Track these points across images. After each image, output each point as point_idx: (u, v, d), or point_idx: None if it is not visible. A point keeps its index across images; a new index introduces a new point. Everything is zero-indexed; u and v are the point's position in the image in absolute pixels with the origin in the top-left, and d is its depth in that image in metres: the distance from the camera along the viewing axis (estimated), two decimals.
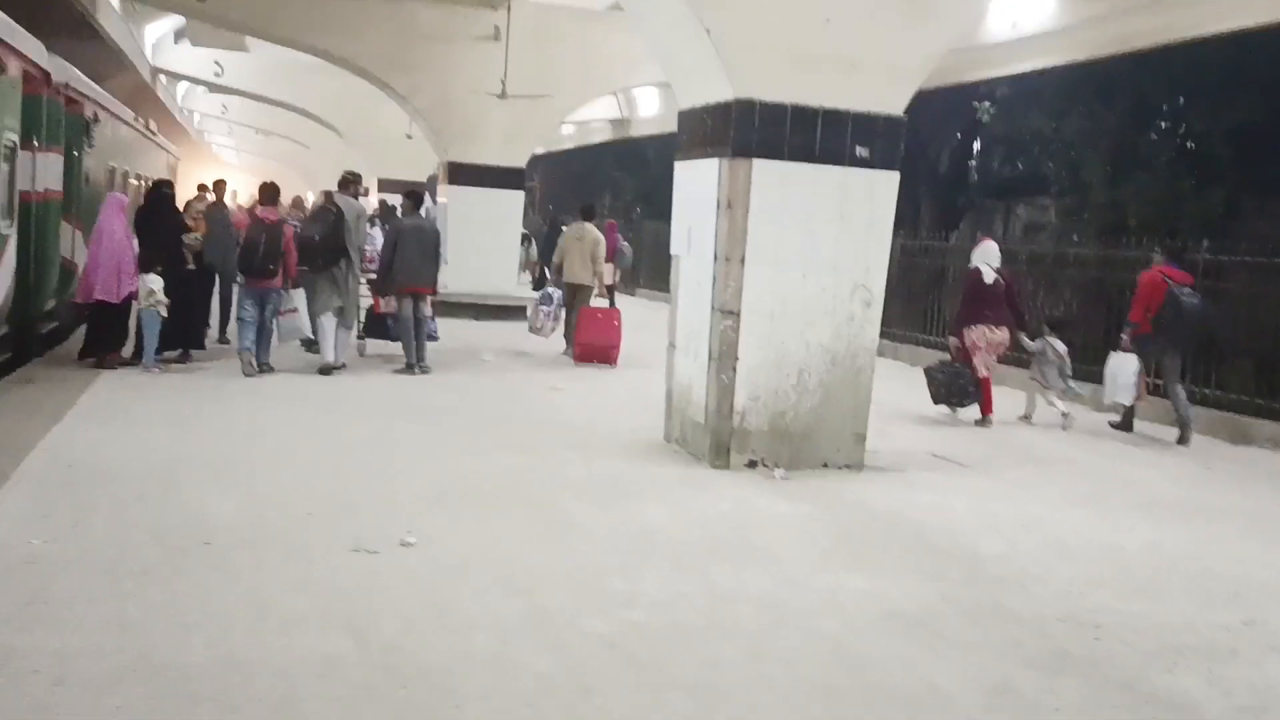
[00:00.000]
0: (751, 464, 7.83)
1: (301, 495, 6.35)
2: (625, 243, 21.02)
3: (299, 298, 11.12)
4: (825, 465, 7.95)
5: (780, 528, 6.41)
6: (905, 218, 16.19)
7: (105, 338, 10.58)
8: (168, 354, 10.72)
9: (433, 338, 12.14)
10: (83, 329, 11.15)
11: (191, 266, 11.07)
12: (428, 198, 14.06)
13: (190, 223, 11.40)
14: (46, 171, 11.00)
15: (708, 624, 4.75)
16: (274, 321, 10.93)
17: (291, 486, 6.55)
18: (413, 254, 11.36)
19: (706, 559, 5.68)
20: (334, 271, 10.93)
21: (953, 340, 10.73)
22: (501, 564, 5.36)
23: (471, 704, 3.80)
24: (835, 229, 7.87)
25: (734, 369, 7.81)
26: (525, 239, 22.65)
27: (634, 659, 4.32)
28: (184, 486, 6.37)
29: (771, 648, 4.53)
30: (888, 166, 7.95)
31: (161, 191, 11.10)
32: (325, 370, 10.95)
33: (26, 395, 8.97)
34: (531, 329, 13.78)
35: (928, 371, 10.79)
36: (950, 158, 23.48)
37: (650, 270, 24.49)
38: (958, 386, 10.46)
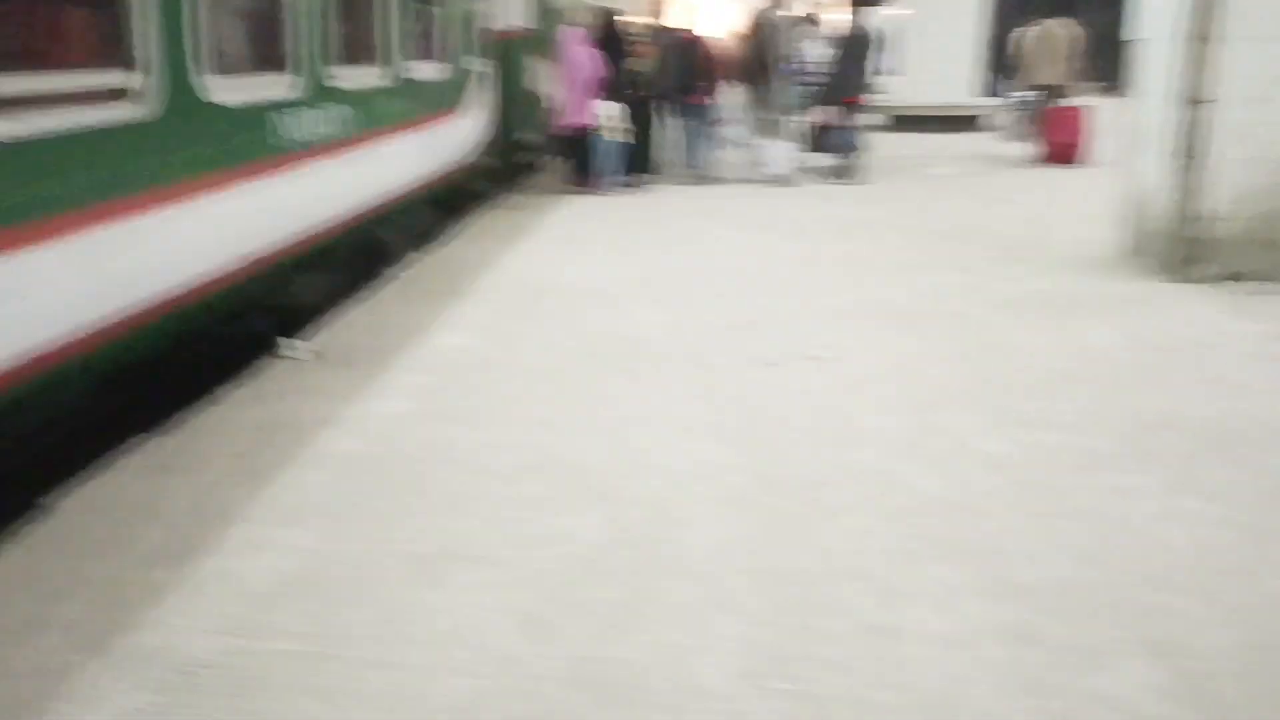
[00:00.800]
0: (1221, 277, 6.84)
1: (721, 310, 6.52)
2: None
3: (731, 110, 11.57)
4: None
5: (1240, 349, 5.57)
6: None
7: (583, 161, 11.42)
8: (623, 177, 11.38)
9: (854, 148, 11.85)
10: (561, 158, 12.16)
11: (640, 92, 11.55)
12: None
13: (638, 50, 11.82)
14: (510, 10, 11.85)
15: (1125, 452, 4.27)
16: (709, 135, 11.32)
17: (713, 300, 6.75)
18: (852, 64, 11.11)
19: (1141, 382, 5.09)
20: (760, 85, 11.03)
21: None
22: (906, 380, 5.17)
23: (839, 517, 3.74)
24: None
25: (1204, 167, 6.78)
26: None
27: (1024, 482, 4.00)
28: (615, 301, 6.78)
29: (1195, 481, 3.98)
30: None
31: (611, 22, 11.55)
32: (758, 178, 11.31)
33: (504, 219, 9.98)
34: (1010, 138, 13.99)
35: None
36: None
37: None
38: None
